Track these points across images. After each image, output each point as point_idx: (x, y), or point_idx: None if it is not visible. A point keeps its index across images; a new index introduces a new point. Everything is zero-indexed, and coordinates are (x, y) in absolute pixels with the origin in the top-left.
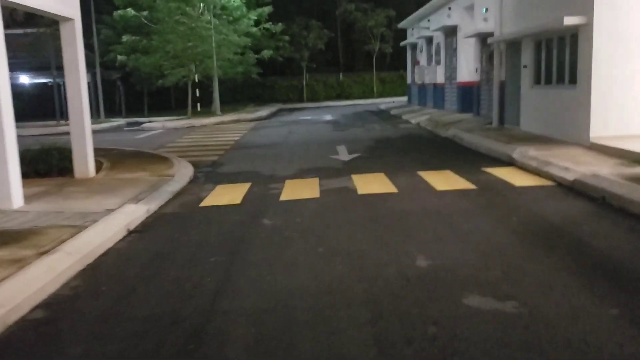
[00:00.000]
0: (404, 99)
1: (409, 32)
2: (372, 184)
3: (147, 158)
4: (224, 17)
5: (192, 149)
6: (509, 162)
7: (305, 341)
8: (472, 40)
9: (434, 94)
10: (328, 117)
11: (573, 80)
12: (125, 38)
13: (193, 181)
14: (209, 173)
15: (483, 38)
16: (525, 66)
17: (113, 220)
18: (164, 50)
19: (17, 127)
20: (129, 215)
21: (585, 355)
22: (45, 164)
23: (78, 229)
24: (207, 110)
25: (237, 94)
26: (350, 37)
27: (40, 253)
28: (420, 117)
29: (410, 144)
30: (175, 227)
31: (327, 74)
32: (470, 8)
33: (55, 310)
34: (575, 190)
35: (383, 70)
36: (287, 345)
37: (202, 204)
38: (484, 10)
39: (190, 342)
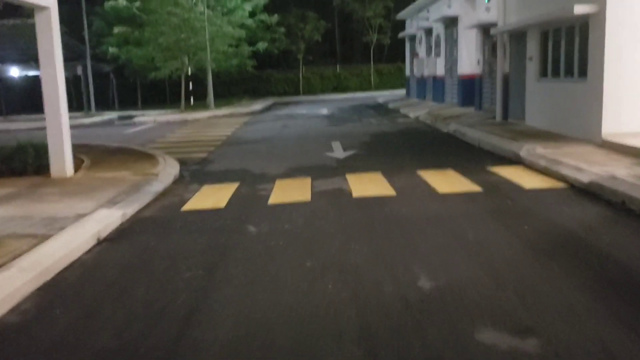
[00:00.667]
0: (402, 91)
1: (407, 23)
2: (368, 185)
3: (132, 155)
4: (218, 8)
5: (181, 144)
6: (516, 161)
7: None
8: (474, 31)
9: (433, 87)
10: (324, 111)
11: (583, 72)
12: (116, 29)
13: (178, 181)
14: (196, 172)
15: (485, 29)
16: (530, 58)
17: (82, 228)
18: (156, 42)
19: (7, 120)
20: (102, 221)
21: None
22: (20, 163)
23: (41, 238)
24: (201, 104)
25: (233, 87)
26: (347, 29)
27: None
28: (419, 111)
29: (409, 140)
30: (151, 234)
31: (324, 66)
32: None
33: None
34: (591, 193)
35: (381, 63)
36: None
37: (184, 208)
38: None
39: None
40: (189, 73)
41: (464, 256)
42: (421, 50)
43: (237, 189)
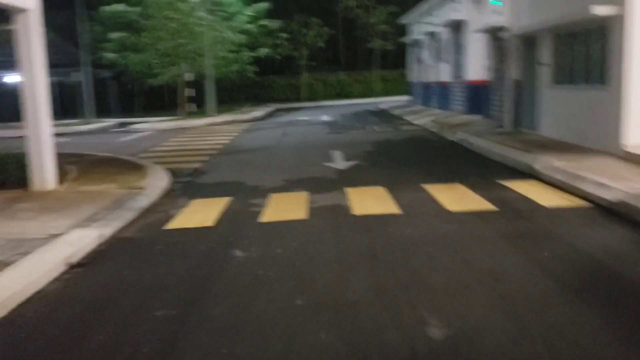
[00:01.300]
0: (406, 98)
1: (411, 28)
2: (370, 201)
3: (121, 166)
4: (218, 13)
5: (175, 154)
6: (530, 174)
7: None
8: (482, 36)
9: (438, 94)
10: (326, 118)
11: (601, 79)
12: (113, 35)
13: (167, 194)
14: (187, 184)
15: (494, 33)
16: (543, 63)
17: (51, 252)
18: (154, 48)
19: (6, 128)
20: (75, 243)
21: None
22: (1, 174)
23: (1, 265)
24: (201, 111)
25: (234, 94)
26: (351, 35)
27: None
28: (424, 119)
29: (414, 150)
30: (128, 259)
31: (327, 72)
32: (479, 1)
33: None
34: (617, 213)
35: (385, 69)
36: None
37: (169, 226)
38: (494, 2)
39: None
40: (189, 79)
41: (480, 293)
42: (426, 55)
43: (228, 204)
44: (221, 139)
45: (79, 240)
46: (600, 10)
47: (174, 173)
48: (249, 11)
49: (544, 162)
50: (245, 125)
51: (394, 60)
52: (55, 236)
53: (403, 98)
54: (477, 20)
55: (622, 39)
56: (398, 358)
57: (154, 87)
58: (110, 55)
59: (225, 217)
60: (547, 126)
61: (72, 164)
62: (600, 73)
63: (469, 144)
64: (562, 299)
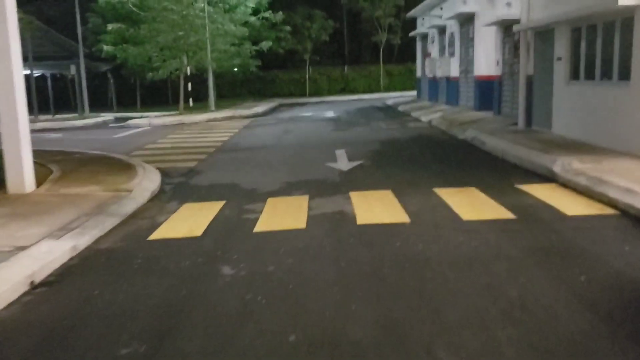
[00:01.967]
0: (413, 93)
1: (419, 21)
2: (376, 207)
3: (110, 165)
4: (219, 5)
5: (171, 151)
6: (548, 177)
7: None
8: (493, 29)
9: (447, 89)
10: (330, 114)
11: (624, 75)
12: (110, 27)
13: (156, 197)
14: (180, 185)
15: (506, 26)
16: (559, 58)
17: (12, 268)
18: (153, 41)
19: None
20: (42, 258)
21: None
22: None
23: None
24: (202, 106)
25: (237, 88)
26: (356, 28)
27: None
28: (431, 115)
29: (423, 148)
30: (101, 277)
31: (331, 66)
32: None
33: None
34: None
35: (391, 63)
36: None
37: (152, 236)
38: None
39: None
40: (189, 73)
41: (508, 330)
42: (434, 49)
43: (221, 210)
44: (220, 136)
45: (47, 254)
46: (627, 1)
47: (167, 173)
48: (251, 3)
49: (564, 165)
50: (246, 121)
51: (400, 54)
52: (21, 249)
53: (409, 93)
54: (487, 13)
55: None
56: None
57: (155, 81)
58: (107, 48)
59: (216, 226)
60: (563, 124)
61: (57, 162)
62: (622, 68)
63: (481, 142)
64: (611, 341)
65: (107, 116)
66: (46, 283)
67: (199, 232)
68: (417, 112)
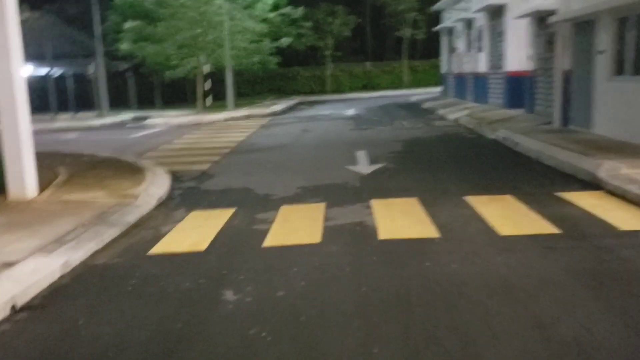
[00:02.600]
0: (438, 90)
1: (444, 15)
2: (400, 218)
3: (118, 169)
4: (238, 1)
5: (185, 153)
6: (592, 184)
7: None
8: (525, 22)
9: (474, 86)
10: (351, 112)
11: None
12: (127, 25)
13: (163, 204)
14: (190, 190)
15: (540, 18)
16: (601, 52)
17: None
18: (172, 38)
19: None
20: (27, 277)
21: None
22: None
23: None
24: (221, 104)
25: (257, 86)
26: (379, 24)
27: None
28: (458, 113)
29: (450, 150)
30: (90, 300)
31: (353, 63)
32: None
33: None
34: None
35: (414, 59)
36: None
37: (153, 250)
38: None
39: None
40: (207, 71)
41: None
42: (460, 44)
43: (230, 219)
44: (236, 136)
45: (34, 272)
46: None
47: (178, 176)
48: None
49: (610, 169)
50: (264, 120)
51: (424, 50)
52: (7, 265)
53: (434, 90)
54: (519, 4)
55: None
56: None
57: (174, 79)
58: (125, 46)
59: (224, 238)
60: (605, 124)
61: (65, 165)
62: None
63: (514, 143)
64: None
65: (126, 115)
66: (30, 307)
67: (203, 245)
68: (443, 110)
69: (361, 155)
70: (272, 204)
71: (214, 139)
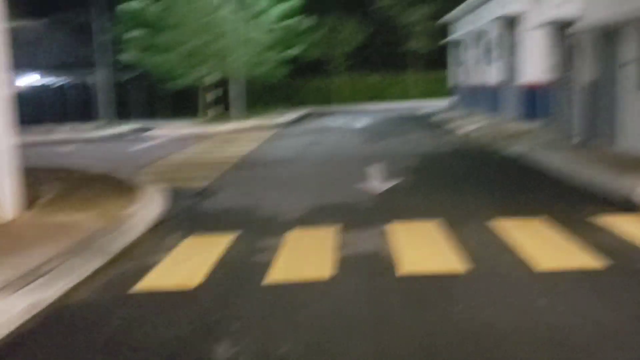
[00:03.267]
0: (446, 102)
1: (453, 27)
2: (421, 247)
3: (110, 186)
4: (245, 10)
5: (184, 167)
6: (626, 206)
7: None
8: (542, 32)
9: (485, 98)
10: (360, 124)
11: None
12: (129, 35)
13: (156, 227)
14: (187, 211)
15: (559, 28)
16: (630, 63)
17: None
18: (178, 48)
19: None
20: None
21: None
22: None
23: None
24: (226, 115)
25: (265, 96)
26: (388, 35)
27: None
28: (469, 126)
29: (466, 166)
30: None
31: (361, 74)
32: None
33: None
34: None
35: (423, 71)
36: None
37: (137, 287)
38: None
39: None
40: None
41: None
42: (470, 56)
43: (229, 247)
44: (242, 148)
45: None
46: None
47: (176, 194)
48: (278, 9)
49: None
50: (270, 132)
51: (433, 61)
52: None
53: (443, 102)
54: (535, 13)
55: None
56: None
57: (181, 89)
58: (129, 56)
59: (220, 272)
60: (633, 139)
61: (54, 183)
62: None
63: (535, 160)
64: None
65: (128, 127)
66: None
67: (196, 281)
68: (454, 123)
69: (373, 171)
70: (276, 227)
71: (218, 152)
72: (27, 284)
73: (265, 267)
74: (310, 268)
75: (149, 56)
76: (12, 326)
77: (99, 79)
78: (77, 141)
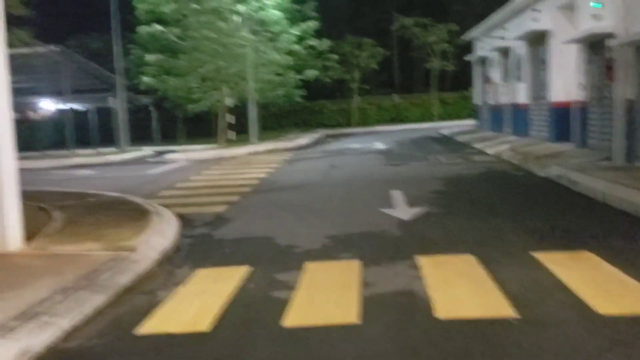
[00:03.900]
0: (469, 122)
1: (476, 44)
2: (458, 286)
3: (123, 212)
4: (263, 33)
5: (201, 192)
6: None
7: None
8: (574, 47)
9: (513, 118)
10: (380, 146)
11: None
12: (149, 58)
13: (167, 258)
14: (200, 240)
15: (593, 42)
16: None
17: None
18: (195, 72)
19: (25, 158)
20: None
21: None
22: None
23: None
24: (244, 138)
25: (282, 119)
26: (407, 56)
27: None
28: (498, 147)
29: (498, 190)
30: None
31: (381, 96)
32: (567, 7)
33: None
34: None
35: (444, 91)
36: None
37: (143, 329)
38: (596, 4)
39: None
40: (230, 105)
41: None
42: (495, 74)
43: (244, 282)
44: (259, 172)
45: None
46: None
47: (189, 221)
48: (296, 31)
49: None
50: (289, 155)
51: (454, 81)
52: None
53: (466, 122)
54: (565, 29)
55: None
56: None
57: (199, 113)
58: (147, 80)
59: (233, 312)
60: None
61: (65, 208)
62: None
63: (571, 182)
64: None
65: (148, 150)
66: None
67: (206, 323)
68: (480, 144)
69: (397, 195)
70: (295, 259)
71: (234, 176)
72: (23, 325)
73: (283, 305)
74: (335, 309)
75: (166, 80)
76: None
77: (118, 103)
78: (96, 165)
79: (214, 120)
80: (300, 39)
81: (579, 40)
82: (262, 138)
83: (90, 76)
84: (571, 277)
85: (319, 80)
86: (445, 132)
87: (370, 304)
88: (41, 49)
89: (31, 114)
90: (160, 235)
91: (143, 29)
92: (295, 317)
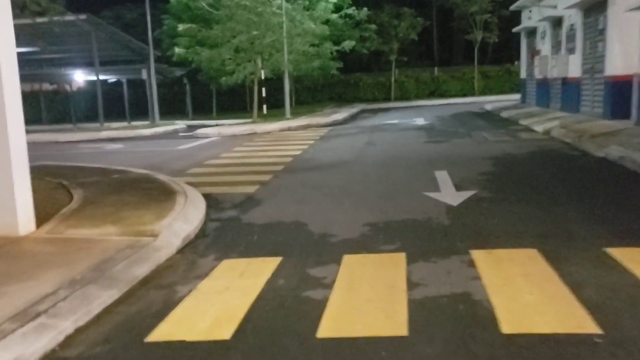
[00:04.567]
0: (512, 97)
1: (524, 14)
2: (523, 290)
3: (146, 191)
4: (298, 1)
5: (231, 169)
6: None
7: None
8: (637, 16)
9: (562, 92)
10: (420, 121)
11: None
12: (181, 27)
13: (190, 244)
14: (227, 224)
15: None
16: None
17: None
18: (229, 42)
19: (57, 131)
20: None
21: None
22: None
23: None
24: (278, 112)
25: (317, 93)
26: (447, 27)
27: None
28: (547, 124)
29: (553, 171)
30: None
31: (419, 68)
32: None
33: None
34: None
35: (486, 64)
36: None
37: (155, 334)
38: None
39: None
40: (263, 77)
41: None
42: (544, 46)
43: (273, 277)
44: (292, 149)
45: None
46: None
47: (217, 202)
48: None
49: None
50: (324, 130)
51: (497, 54)
52: None
53: (508, 97)
54: None
55: None
56: None
57: (232, 86)
58: (179, 51)
59: (261, 315)
60: None
61: (87, 186)
62: None
63: (636, 164)
64: None
65: (180, 124)
66: None
67: (228, 329)
68: (527, 120)
69: (442, 177)
70: (330, 250)
71: (267, 153)
72: (18, 327)
73: (317, 309)
74: (379, 317)
75: (199, 51)
76: None
77: (150, 75)
78: (126, 139)
79: (249, 94)
80: (337, 8)
81: None
82: (296, 113)
83: (123, 47)
84: None
85: (355, 51)
86: (488, 107)
87: (420, 311)
88: (69, 17)
89: (66, 86)
90: (184, 219)
91: None
92: (331, 326)
